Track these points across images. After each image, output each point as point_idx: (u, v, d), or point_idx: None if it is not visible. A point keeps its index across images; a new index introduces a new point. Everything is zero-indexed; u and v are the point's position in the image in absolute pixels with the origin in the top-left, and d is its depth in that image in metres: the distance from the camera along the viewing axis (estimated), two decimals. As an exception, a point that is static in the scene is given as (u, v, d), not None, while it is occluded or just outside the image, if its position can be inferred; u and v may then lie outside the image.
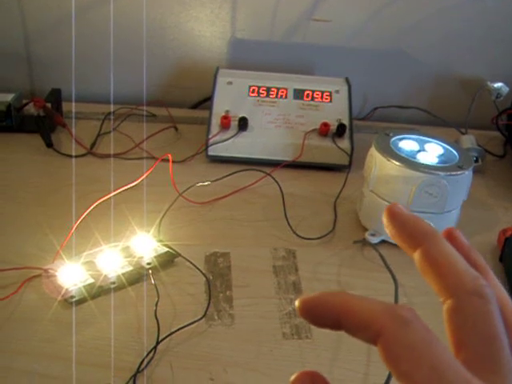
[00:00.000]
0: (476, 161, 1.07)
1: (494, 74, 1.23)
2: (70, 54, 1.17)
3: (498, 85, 1.18)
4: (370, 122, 1.26)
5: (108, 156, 1.02)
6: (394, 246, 0.84)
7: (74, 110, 1.12)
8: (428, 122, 1.25)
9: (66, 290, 0.69)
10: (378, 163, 0.83)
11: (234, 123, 1.04)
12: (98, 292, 0.70)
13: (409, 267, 0.81)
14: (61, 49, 1.23)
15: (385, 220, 0.33)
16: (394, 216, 0.33)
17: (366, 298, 0.29)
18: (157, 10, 1.21)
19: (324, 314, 0.30)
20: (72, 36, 1.18)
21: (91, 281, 0.70)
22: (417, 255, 0.31)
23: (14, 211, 0.87)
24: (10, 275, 0.72)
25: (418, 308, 0.76)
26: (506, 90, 1.18)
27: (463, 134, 1.14)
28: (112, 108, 1.15)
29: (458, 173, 0.80)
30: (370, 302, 0.29)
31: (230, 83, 1.09)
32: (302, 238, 0.85)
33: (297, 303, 0.31)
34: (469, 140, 1.11)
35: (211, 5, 1.21)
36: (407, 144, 0.87)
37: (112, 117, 1.15)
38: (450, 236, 0.34)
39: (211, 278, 0.75)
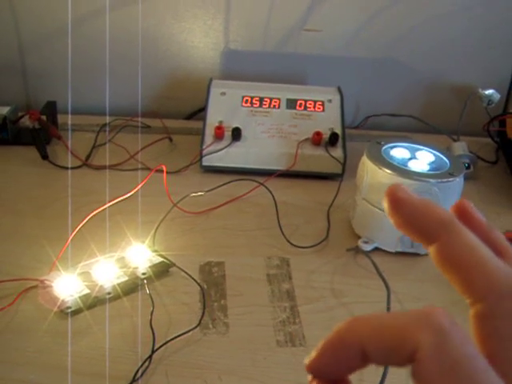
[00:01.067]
0: (468, 167, 1.08)
1: (485, 81, 1.24)
2: (64, 67, 1.18)
3: (489, 92, 1.19)
4: (363, 131, 1.27)
5: (103, 167, 1.03)
6: (387, 253, 0.85)
7: (70, 122, 1.13)
8: (420, 130, 1.26)
9: (62, 300, 0.69)
10: (369, 171, 0.84)
11: (228, 133, 1.05)
12: (93, 302, 0.71)
13: (401, 274, 0.82)
14: (55, 61, 1.24)
15: (387, 207, 0.27)
16: (400, 203, 0.27)
17: (390, 314, 0.25)
18: (150, 21, 1.22)
19: (343, 361, 0.25)
20: (67, 48, 1.19)
21: (87, 291, 0.71)
22: (433, 250, 0.26)
23: (11, 223, 0.88)
24: (7, 286, 0.72)
25: (410, 314, 0.75)
26: (497, 96, 1.19)
27: (455, 140, 1.15)
28: (107, 120, 1.16)
29: (449, 180, 0.81)
30: (397, 315, 0.24)
31: (223, 94, 1.10)
32: (296, 246, 0.85)
33: (307, 364, 0.26)
34: (460, 147, 1.12)
35: (204, 16, 1.22)
36: (398, 152, 0.88)
37: (107, 129, 1.16)
38: (462, 213, 0.29)
39: (206, 287, 0.76)
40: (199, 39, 1.25)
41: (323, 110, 1.10)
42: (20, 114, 1.12)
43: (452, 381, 0.22)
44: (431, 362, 0.23)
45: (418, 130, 1.26)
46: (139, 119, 1.18)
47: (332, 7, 1.22)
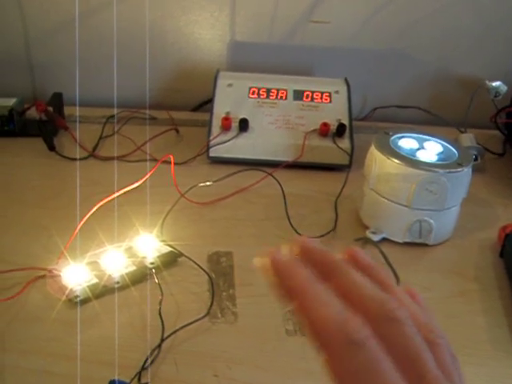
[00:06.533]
0: (475, 159, 1.07)
1: (492, 73, 1.24)
2: (70, 59, 1.18)
3: (496, 83, 1.19)
4: (370, 123, 1.27)
5: (110, 159, 1.03)
6: (395, 243, 0.85)
7: (78, 114, 1.13)
8: (428, 122, 1.26)
9: (71, 289, 0.69)
10: (377, 162, 0.84)
11: (235, 124, 1.05)
12: (102, 292, 0.71)
13: (410, 264, 0.82)
14: (62, 53, 1.24)
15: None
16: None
17: (327, 297, 0.32)
18: (156, 13, 1.22)
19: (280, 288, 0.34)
20: (73, 40, 1.19)
21: (95, 281, 0.71)
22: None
23: (19, 213, 0.88)
24: (16, 276, 0.72)
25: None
26: (504, 88, 1.19)
27: (462, 132, 1.15)
28: (115, 111, 1.16)
29: (458, 170, 0.81)
30: (329, 305, 0.32)
31: (230, 85, 1.10)
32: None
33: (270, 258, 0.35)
34: (468, 139, 1.12)
35: (210, 8, 1.22)
36: (407, 142, 0.87)
37: (115, 120, 1.15)
38: (352, 258, 0.37)
39: (214, 276, 0.76)
40: (206, 31, 1.25)
41: (330, 101, 1.09)
42: (26, 105, 1.12)
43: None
44: (337, 364, 0.29)
45: (426, 121, 1.26)
46: (147, 111, 1.17)
47: (339, -1, 1.22)
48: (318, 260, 0.36)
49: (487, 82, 1.19)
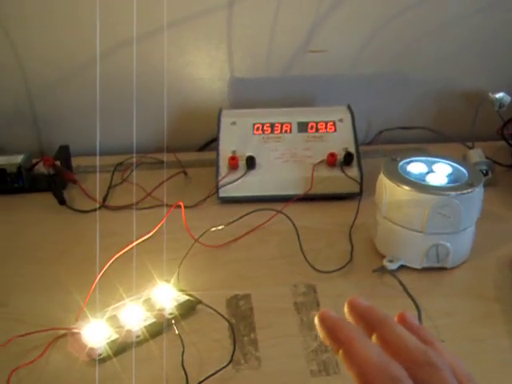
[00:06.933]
0: (486, 174, 1.07)
1: (494, 85, 1.23)
2: (72, 111, 1.20)
3: (499, 95, 1.18)
4: (377, 146, 1.27)
5: (120, 208, 1.03)
6: (413, 270, 0.84)
7: (98, 164, 1.13)
8: (434, 140, 1.25)
9: (92, 348, 0.69)
10: (388, 189, 0.83)
11: (242, 163, 1.05)
12: (123, 347, 0.70)
13: (429, 290, 0.81)
14: (64, 107, 1.25)
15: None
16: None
17: (369, 343, 0.35)
18: (154, 56, 1.22)
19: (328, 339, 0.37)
20: (73, 94, 1.21)
21: (115, 337, 0.70)
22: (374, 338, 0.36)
23: (35, 271, 0.87)
24: (36, 337, 0.72)
25: (441, 330, 0.75)
26: (508, 99, 1.18)
27: (470, 148, 1.14)
28: (134, 159, 1.17)
29: (469, 190, 0.80)
30: (370, 349, 0.34)
31: (233, 123, 1.10)
32: (321, 271, 0.85)
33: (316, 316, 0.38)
34: (476, 154, 1.11)
35: (207, 47, 1.23)
36: (415, 167, 0.87)
37: (134, 168, 1.16)
38: (401, 319, 0.40)
39: (234, 321, 0.75)
40: (204, 71, 1.25)
41: (335, 130, 1.09)
42: (34, 160, 1.13)
43: None
44: None
45: (433, 140, 1.26)
46: (165, 158, 1.17)
47: (334, 27, 1.22)
48: (364, 314, 0.39)
49: (490, 94, 1.19)
